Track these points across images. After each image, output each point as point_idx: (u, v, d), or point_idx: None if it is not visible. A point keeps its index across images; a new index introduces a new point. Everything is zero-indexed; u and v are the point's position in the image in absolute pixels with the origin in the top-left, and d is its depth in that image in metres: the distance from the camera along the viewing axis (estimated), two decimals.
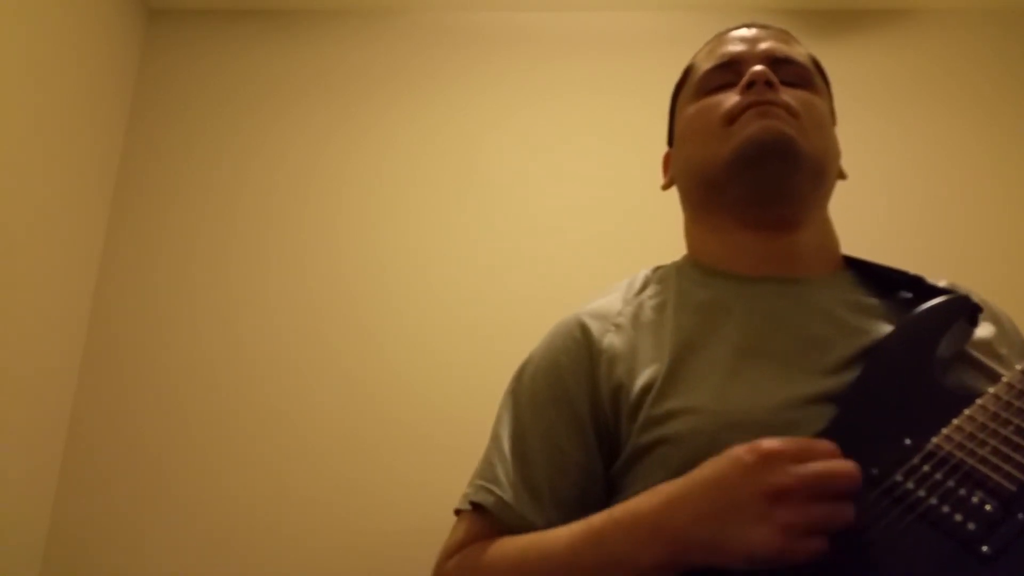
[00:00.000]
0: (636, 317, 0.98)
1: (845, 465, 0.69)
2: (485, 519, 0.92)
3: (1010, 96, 2.29)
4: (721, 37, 1.12)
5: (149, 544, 1.97)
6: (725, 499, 0.70)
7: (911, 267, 1.04)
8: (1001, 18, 2.36)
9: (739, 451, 0.71)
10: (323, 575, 1.93)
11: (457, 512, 0.98)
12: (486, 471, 0.95)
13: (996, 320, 0.98)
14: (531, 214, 2.21)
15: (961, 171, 2.22)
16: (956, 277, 1.08)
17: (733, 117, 0.99)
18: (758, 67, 1.00)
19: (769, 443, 0.70)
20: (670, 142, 1.18)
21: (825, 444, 0.71)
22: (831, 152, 1.05)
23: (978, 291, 1.02)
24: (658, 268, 1.08)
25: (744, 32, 1.10)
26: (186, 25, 2.42)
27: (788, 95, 1.00)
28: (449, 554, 0.93)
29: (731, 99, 1.01)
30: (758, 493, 0.68)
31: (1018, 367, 0.76)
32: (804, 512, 0.67)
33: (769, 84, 0.99)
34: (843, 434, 0.78)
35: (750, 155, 0.97)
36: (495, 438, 0.98)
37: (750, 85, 0.99)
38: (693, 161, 1.06)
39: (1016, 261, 2.13)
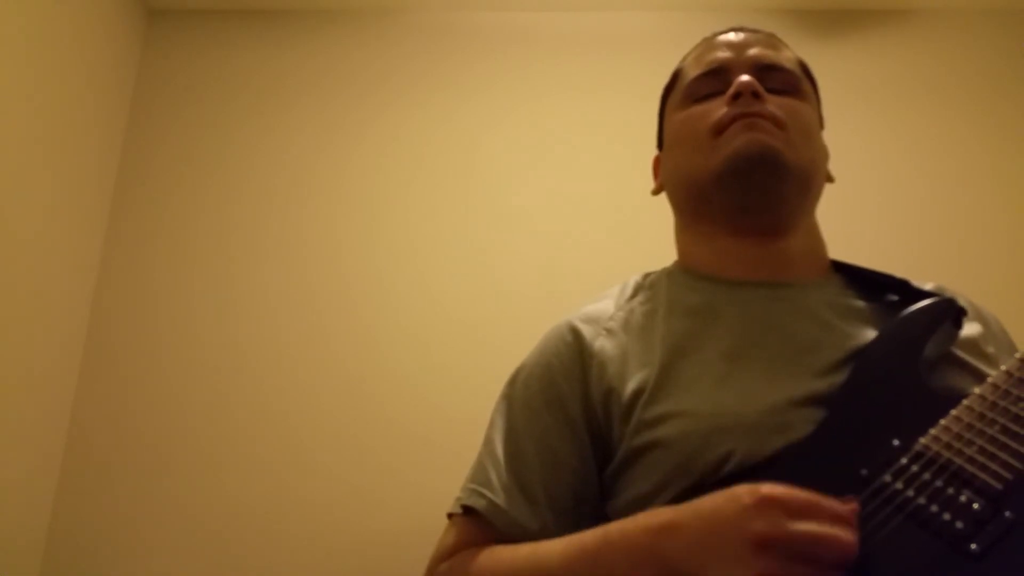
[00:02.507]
0: (627, 322, 0.99)
1: (843, 535, 0.65)
2: (477, 523, 0.92)
3: (1010, 96, 2.29)
4: (709, 42, 1.12)
5: (149, 544, 1.98)
6: (714, 535, 0.69)
7: (910, 267, 1.05)
8: (1001, 18, 2.36)
9: (741, 490, 0.69)
10: (322, 575, 1.93)
11: (449, 516, 0.97)
12: (479, 475, 0.95)
13: (983, 320, 0.99)
14: (530, 214, 2.22)
15: (961, 171, 2.22)
16: (956, 277, 1.08)
17: (720, 128, 1.00)
18: (745, 77, 1.01)
19: (771, 489, 0.68)
20: (660, 145, 1.19)
21: (835, 506, 0.67)
22: (817, 160, 1.05)
23: (978, 291, 1.03)
24: (648, 274, 1.09)
25: (732, 37, 1.10)
26: (186, 25, 2.43)
27: (774, 104, 1.00)
28: (440, 559, 0.93)
29: (718, 109, 1.01)
30: (744, 537, 0.66)
31: (1003, 367, 0.76)
32: (785, 569, 0.64)
33: (756, 95, 0.99)
34: (832, 436, 0.79)
35: (737, 168, 0.98)
36: (488, 442, 0.98)
37: (737, 96, 1.00)
38: (681, 170, 1.07)
39: (1016, 261, 2.13)
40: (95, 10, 2.20)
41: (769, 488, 0.68)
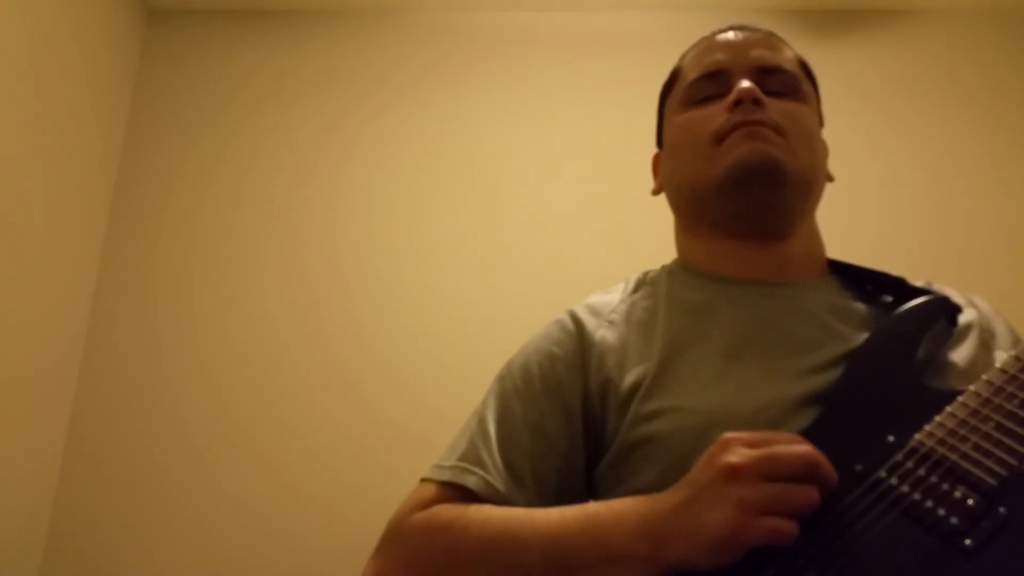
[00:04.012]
0: (629, 315, 0.99)
1: (799, 447, 0.71)
2: (460, 494, 0.91)
3: (1010, 96, 2.29)
4: (708, 42, 1.11)
5: (149, 544, 1.98)
6: (692, 487, 0.73)
7: (910, 266, 1.05)
8: (1001, 18, 2.36)
9: (711, 446, 0.74)
10: (322, 574, 1.93)
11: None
12: (469, 453, 0.94)
13: (979, 312, 0.98)
14: (530, 213, 2.22)
15: (960, 171, 2.22)
16: (956, 277, 1.08)
17: (721, 136, 0.99)
18: (745, 84, 1.00)
19: (732, 433, 0.74)
20: (659, 143, 1.18)
21: (786, 433, 0.73)
22: (818, 164, 1.05)
23: (978, 291, 1.02)
24: (649, 271, 1.09)
25: (731, 38, 1.09)
26: (186, 25, 2.44)
27: (775, 109, 1.00)
28: (414, 509, 0.91)
29: (719, 116, 1.00)
30: (714, 474, 0.71)
31: (997, 365, 0.76)
32: (758, 488, 0.68)
33: (756, 101, 0.99)
34: (827, 432, 0.79)
35: (737, 178, 0.97)
36: (480, 421, 0.97)
37: (737, 103, 0.99)
38: (681, 176, 1.07)
39: (1016, 261, 2.12)
40: (95, 10, 2.21)
41: (729, 433, 0.74)
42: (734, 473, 0.69)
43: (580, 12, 2.42)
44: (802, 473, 0.69)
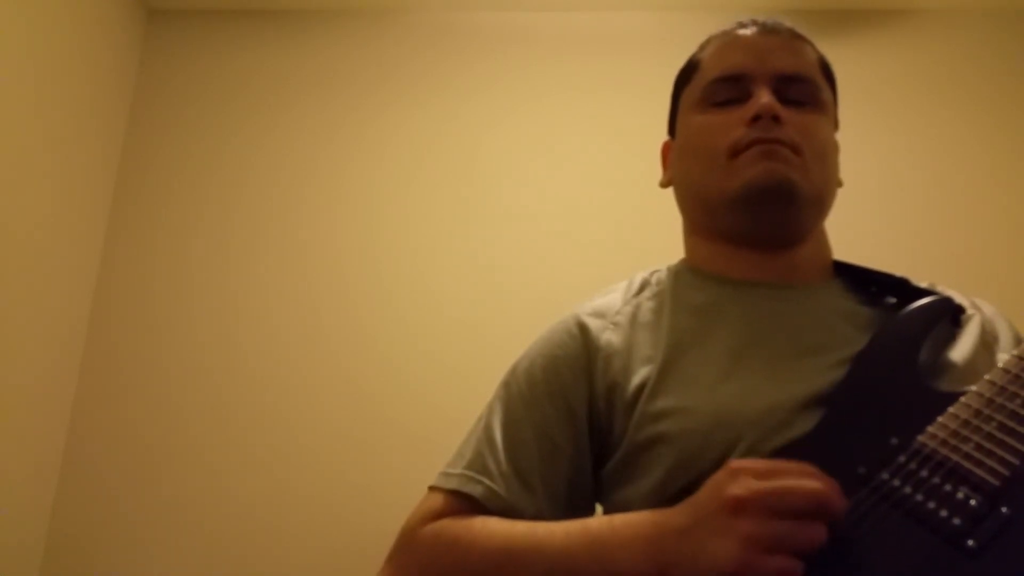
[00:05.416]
0: (634, 316, 0.99)
1: (810, 484, 0.68)
2: (467, 501, 0.91)
3: (1010, 96, 2.29)
4: (729, 39, 1.09)
5: (149, 544, 1.98)
6: (699, 515, 0.72)
7: (911, 267, 1.05)
8: (1001, 18, 2.36)
9: (717, 473, 0.73)
10: (322, 575, 1.93)
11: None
12: (475, 462, 0.94)
13: (982, 314, 0.98)
14: (530, 214, 2.22)
15: (961, 171, 2.22)
16: (955, 277, 1.08)
17: (737, 151, 0.98)
18: (765, 99, 0.98)
19: (740, 461, 0.73)
20: (671, 131, 1.16)
21: (798, 465, 0.71)
22: (831, 178, 1.04)
23: (978, 291, 1.02)
24: (655, 271, 1.09)
25: (754, 37, 1.07)
26: (186, 25, 2.43)
27: (793, 125, 0.99)
28: (423, 520, 0.91)
29: (736, 128, 0.99)
30: (720, 505, 0.69)
31: (1000, 365, 0.76)
32: (764, 525, 0.66)
33: (776, 119, 0.98)
34: (831, 434, 0.79)
35: (750, 197, 0.97)
36: (486, 428, 0.97)
37: (756, 118, 0.98)
38: (694, 183, 1.06)
39: (1016, 261, 2.12)
40: (95, 10, 2.20)
41: (738, 461, 0.73)
42: (740, 506, 0.68)
43: (580, 12, 2.42)
44: (810, 510, 0.67)
